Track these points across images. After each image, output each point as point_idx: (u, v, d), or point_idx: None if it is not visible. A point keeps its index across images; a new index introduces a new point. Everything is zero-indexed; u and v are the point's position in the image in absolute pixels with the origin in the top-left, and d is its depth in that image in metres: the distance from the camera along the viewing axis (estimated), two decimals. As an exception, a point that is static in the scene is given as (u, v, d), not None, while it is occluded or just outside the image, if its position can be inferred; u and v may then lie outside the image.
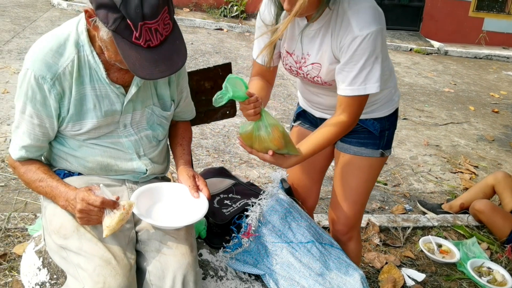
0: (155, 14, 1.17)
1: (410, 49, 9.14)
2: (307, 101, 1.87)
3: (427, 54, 9.14)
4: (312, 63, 1.59)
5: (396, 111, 1.80)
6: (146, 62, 1.21)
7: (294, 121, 2.01)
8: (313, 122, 1.91)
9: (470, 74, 7.95)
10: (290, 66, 1.69)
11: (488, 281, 2.50)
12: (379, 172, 1.87)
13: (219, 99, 1.32)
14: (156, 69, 1.22)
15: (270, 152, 1.44)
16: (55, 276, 1.48)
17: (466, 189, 3.60)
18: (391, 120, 1.78)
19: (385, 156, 1.79)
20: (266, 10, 1.60)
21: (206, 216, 1.72)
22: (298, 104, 1.99)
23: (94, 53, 1.35)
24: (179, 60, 1.27)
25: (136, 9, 1.14)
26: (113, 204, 1.29)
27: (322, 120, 1.82)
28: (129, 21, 1.15)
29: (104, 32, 1.22)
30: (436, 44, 9.49)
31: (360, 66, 1.44)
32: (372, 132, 1.74)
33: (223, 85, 1.32)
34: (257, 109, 1.38)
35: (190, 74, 1.85)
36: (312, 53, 1.57)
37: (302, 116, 1.96)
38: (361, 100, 1.51)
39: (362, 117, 1.70)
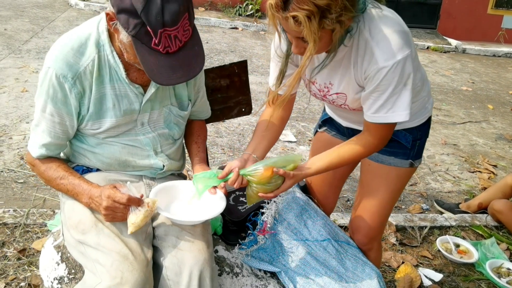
0: (176, 21, 1.17)
1: (427, 47, 9.02)
2: (334, 113, 1.83)
3: (444, 52, 9.01)
4: (336, 93, 1.53)
5: (429, 119, 1.71)
6: (164, 68, 1.22)
7: (320, 127, 1.94)
8: (340, 130, 1.84)
9: (489, 73, 7.81)
10: (315, 93, 1.63)
11: (507, 282, 2.45)
12: (406, 183, 1.78)
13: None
14: (174, 75, 1.23)
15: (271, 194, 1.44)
16: (73, 271, 1.50)
17: (485, 188, 3.54)
18: (423, 129, 1.69)
19: (414, 166, 1.70)
20: (278, 44, 1.51)
21: (222, 213, 1.73)
22: (324, 110, 1.93)
23: (114, 53, 1.36)
24: (196, 66, 1.27)
25: (156, 16, 1.14)
26: (138, 202, 1.32)
27: (350, 129, 1.77)
28: (149, 28, 1.16)
29: (124, 36, 1.23)
30: (454, 42, 9.35)
31: (387, 96, 1.35)
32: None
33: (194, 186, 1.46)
34: (238, 182, 1.43)
35: (206, 71, 1.85)
36: (335, 83, 1.51)
37: (329, 122, 1.89)
38: (389, 127, 1.43)
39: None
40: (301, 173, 1.47)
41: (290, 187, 1.46)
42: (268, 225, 1.75)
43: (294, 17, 1.18)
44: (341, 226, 2.63)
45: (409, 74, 1.33)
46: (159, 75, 1.22)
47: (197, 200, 1.45)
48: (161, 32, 1.16)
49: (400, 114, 1.37)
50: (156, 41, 1.18)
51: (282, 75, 1.53)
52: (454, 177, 3.83)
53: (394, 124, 1.42)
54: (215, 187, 1.48)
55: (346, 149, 1.49)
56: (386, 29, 1.32)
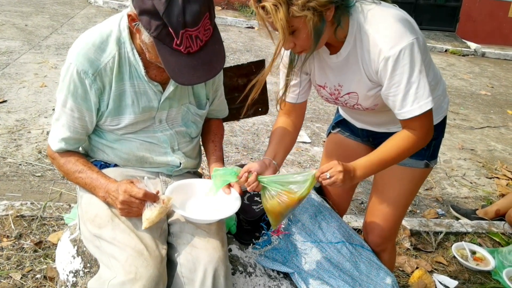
0: (197, 22, 1.17)
1: (446, 50, 8.90)
2: (347, 115, 1.81)
3: (463, 55, 8.88)
4: (348, 93, 1.52)
5: (445, 118, 1.69)
6: (186, 69, 1.22)
7: (333, 128, 1.93)
8: (355, 132, 1.83)
9: (509, 77, 7.67)
10: (327, 98, 1.62)
11: (524, 291, 2.41)
12: (421, 184, 1.76)
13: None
14: (195, 75, 1.24)
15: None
16: (88, 265, 1.51)
17: (503, 195, 3.47)
18: (439, 129, 1.66)
19: (429, 167, 1.68)
20: (282, 54, 1.54)
21: (236, 213, 1.73)
22: (337, 111, 1.92)
23: (135, 50, 1.37)
24: (217, 65, 1.28)
25: (178, 17, 1.14)
26: (154, 197, 1.33)
27: (364, 131, 1.76)
28: (170, 29, 1.16)
29: (146, 37, 1.24)
30: (473, 46, 9.21)
31: (404, 86, 1.32)
32: None
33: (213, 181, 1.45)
34: (253, 185, 1.41)
35: (224, 70, 1.85)
36: (345, 83, 1.50)
37: (343, 124, 1.88)
38: (425, 116, 1.36)
39: None
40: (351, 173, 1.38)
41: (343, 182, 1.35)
42: (282, 226, 1.74)
43: (263, 7, 1.23)
44: (354, 229, 2.61)
45: (421, 60, 1.31)
46: (181, 75, 1.23)
47: (213, 195, 1.45)
48: (183, 33, 1.17)
49: (425, 103, 1.33)
50: (178, 42, 1.18)
51: (287, 84, 1.54)
52: (471, 183, 3.77)
53: (428, 112, 1.36)
54: (229, 185, 1.48)
55: (389, 144, 1.43)
56: (387, 19, 1.32)
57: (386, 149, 1.43)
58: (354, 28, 1.36)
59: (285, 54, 1.53)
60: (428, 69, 1.50)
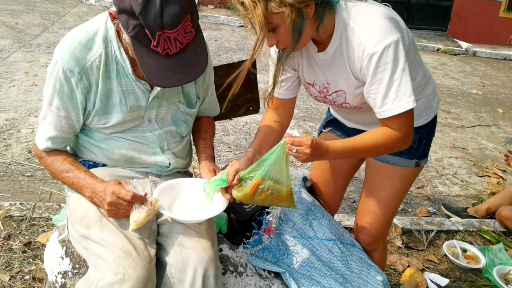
0: (175, 24, 1.15)
1: (437, 49, 8.95)
2: (338, 114, 1.81)
3: (455, 54, 8.93)
4: (336, 91, 1.51)
5: (435, 117, 1.68)
6: (163, 70, 1.20)
7: (324, 127, 1.93)
8: (346, 131, 1.82)
9: (500, 76, 7.73)
10: (316, 96, 1.62)
11: (514, 289, 2.42)
12: (411, 183, 1.76)
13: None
14: (173, 77, 1.22)
15: None
16: (77, 266, 1.50)
17: (493, 193, 3.50)
18: (429, 128, 1.66)
19: (420, 166, 1.68)
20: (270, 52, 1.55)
21: (227, 212, 1.72)
22: (328, 110, 1.92)
23: (122, 49, 1.36)
24: (198, 68, 1.25)
25: (155, 19, 1.13)
26: (142, 200, 1.31)
27: (355, 130, 1.75)
28: (147, 31, 1.15)
29: (125, 36, 1.23)
30: (464, 45, 9.26)
31: (386, 84, 1.31)
32: None
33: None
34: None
35: (215, 69, 1.84)
36: (332, 81, 1.49)
37: (334, 123, 1.87)
38: (404, 116, 1.34)
39: None
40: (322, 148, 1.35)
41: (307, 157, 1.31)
42: (273, 225, 1.74)
43: (242, 3, 1.23)
44: (346, 228, 2.61)
45: (404, 59, 1.29)
46: (158, 76, 1.21)
47: (209, 202, 1.44)
48: (160, 35, 1.15)
49: (406, 102, 1.31)
50: (155, 44, 1.16)
51: (275, 79, 1.54)
52: (462, 181, 3.79)
53: (409, 112, 1.34)
54: (226, 189, 1.45)
55: (367, 135, 1.42)
56: (373, 16, 1.32)
57: (363, 139, 1.41)
58: (340, 26, 1.36)
59: (273, 51, 1.52)
60: (417, 68, 1.50)
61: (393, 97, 1.31)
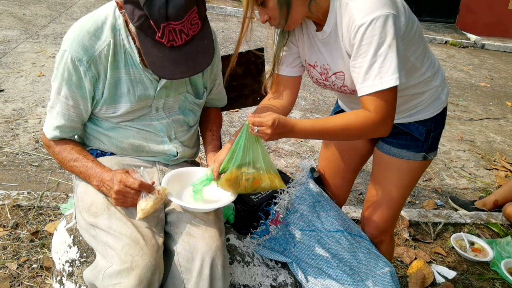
0: (181, 15, 1.14)
1: (445, 42, 8.85)
2: (345, 105, 1.79)
3: (463, 47, 8.83)
4: (335, 73, 1.48)
5: (444, 110, 1.64)
6: (167, 62, 1.19)
7: None
8: None
9: (508, 69, 7.64)
10: (317, 79, 1.59)
11: (522, 282, 2.41)
12: (419, 177, 1.73)
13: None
14: (177, 69, 1.21)
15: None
16: (84, 254, 1.50)
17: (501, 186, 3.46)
18: (438, 121, 1.62)
19: (428, 159, 1.64)
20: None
21: (234, 202, 1.71)
22: (336, 102, 1.90)
23: (130, 38, 1.35)
24: (204, 60, 1.24)
25: (160, 10, 1.11)
26: (149, 188, 1.31)
27: None
28: (151, 21, 1.13)
29: (131, 25, 1.22)
30: (473, 37, 9.16)
31: (370, 58, 1.25)
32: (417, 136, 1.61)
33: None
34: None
35: (222, 59, 1.83)
36: (331, 62, 1.46)
37: None
38: (385, 96, 1.28)
39: (405, 120, 1.60)
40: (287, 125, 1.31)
41: (272, 135, 1.28)
42: (281, 215, 1.73)
43: None
44: (353, 219, 2.60)
45: (393, 35, 1.24)
46: (162, 68, 1.20)
47: (200, 198, 1.44)
48: (164, 26, 1.14)
49: (389, 80, 1.25)
50: (160, 35, 1.15)
51: (275, 59, 1.53)
52: (470, 174, 3.76)
53: (391, 92, 1.28)
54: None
55: (340, 116, 1.37)
56: None
57: (334, 120, 1.35)
58: (335, 4, 1.33)
59: (275, 33, 1.53)
60: (422, 58, 1.48)
61: (375, 73, 1.27)
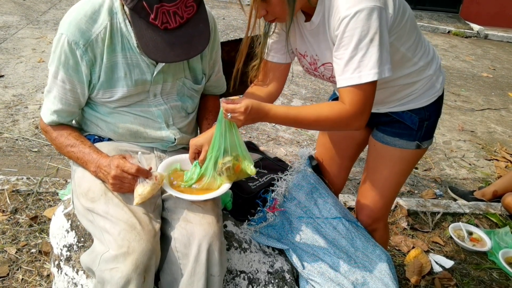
0: None
1: (448, 32, 8.78)
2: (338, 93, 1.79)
3: (466, 37, 8.76)
4: (323, 64, 1.47)
5: (440, 98, 1.61)
6: (162, 45, 1.18)
7: None
8: None
9: (511, 60, 7.59)
10: (307, 68, 1.58)
11: (519, 272, 2.42)
12: (413, 165, 1.72)
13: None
14: (171, 53, 1.19)
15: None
16: (82, 239, 1.51)
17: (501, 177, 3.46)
18: (432, 109, 1.60)
19: (421, 148, 1.63)
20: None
21: (232, 189, 1.71)
22: (334, 90, 1.90)
23: (127, 21, 1.34)
24: (199, 44, 1.22)
25: None
26: (147, 173, 1.31)
27: None
28: (144, 3, 1.12)
29: (126, 7, 1.21)
30: (476, 27, 9.08)
31: (350, 50, 1.24)
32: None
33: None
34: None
35: (221, 45, 1.81)
36: (319, 53, 1.45)
37: None
38: (362, 90, 1.27)
39: (398, 109, 1.59)
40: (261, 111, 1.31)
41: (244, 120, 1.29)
42: (278, 203, 1.73)
43: None
44: (351, 208, 2.61)
45: (376, 30, 1.23)
46: (155, 51, 1.19)
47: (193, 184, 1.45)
48: (158, 8, 1.13)
49: (367, 74, 1.25)
50: (153, 17, 1.14)
51: (262, 47, 1.52)
52: (470, 164, 3.75)
53: (369, 87, 1.28)
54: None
55: (315, 106, 1.35)
56: None
57: (307, 110, 1.34)
58: None
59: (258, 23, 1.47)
60: (415, 48, 1.47)
61: (354, 66, 1.26)
